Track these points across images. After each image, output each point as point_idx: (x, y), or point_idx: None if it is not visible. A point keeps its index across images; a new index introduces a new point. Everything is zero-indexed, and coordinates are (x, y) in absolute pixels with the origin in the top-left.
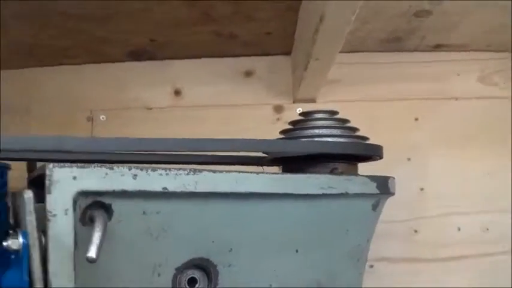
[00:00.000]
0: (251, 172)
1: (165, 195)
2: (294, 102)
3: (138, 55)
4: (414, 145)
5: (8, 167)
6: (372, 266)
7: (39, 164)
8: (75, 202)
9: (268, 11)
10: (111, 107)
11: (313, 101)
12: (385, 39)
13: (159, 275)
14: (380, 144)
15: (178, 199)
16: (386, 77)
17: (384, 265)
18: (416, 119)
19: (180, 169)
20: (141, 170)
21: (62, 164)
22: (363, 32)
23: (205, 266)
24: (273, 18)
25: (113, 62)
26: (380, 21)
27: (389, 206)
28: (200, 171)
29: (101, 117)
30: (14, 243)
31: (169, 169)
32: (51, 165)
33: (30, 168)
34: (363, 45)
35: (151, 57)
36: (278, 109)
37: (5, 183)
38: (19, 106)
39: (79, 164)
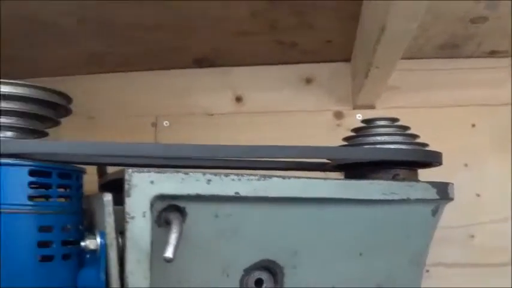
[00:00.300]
0: (318, 178)
1: (236, 199)
2: (353, 108)
3: (200, 62)
4: (471, 151)
5: (83, 171)
6: (428, 271)
7: (109, 169)
8: (152, 205)
9: (330, 21)
10: (175, 113)
11: (372, 107)
12: (442, 45)
13: (228, 275)
14: (438, 149)
15: (249, 203)
16: (443, 84)
17: (441, 270)
18: (473, 125)
19: (251, 175)
20: (215, 175)
21: (140, 169)
22: (422, 39)
23: (271, 268)
24: (334, 27)
25: (177, 69)
26: (438, 27)
27: (446, 212)
28: (270, 177)
29: (164, 123)
30: (91, 243)
31: (242, 175)
32: (130, 170)
33: (101, 173)
34: (421, 52)
35: (214, 65)
36: (338, 115)
37: (81, 186)
38: (84, 112)
39: (156, 169)
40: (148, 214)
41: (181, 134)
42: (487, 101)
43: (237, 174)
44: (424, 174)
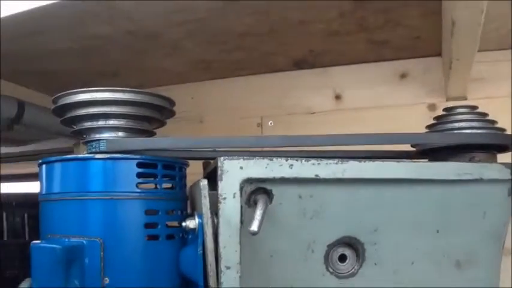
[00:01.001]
0: (392, 160)
1: (317, 181)
2: (446, 100)
3: (299, 64)
4: None
5: (186, 164)
6: None
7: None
8: (241, 188)
9: (415, 17)
10: (278, 113)
11: (464, 98)
12: None
13: (312, 251)
14: None
15: (328, 184)
16: None
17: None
18: None
19: (330, 158)
20: (296, 160)
21: (230, 156)
22: (504, 30)
23: (353, 244)
24: (420, 23)
25: (278, 71)
26: None
27: None
28: (347, 160)
29: (269, 123)
30: (191, 223)
31: (321, 159)
32: (222, 158)
33: (206, 166)
34: (506, 43)
35: (312, 66)
36: (432, 107)
37: (184, 177)
38: (194, 116)
39: (245, 157)
40: (238, 195)
41: (285, 132)
42: None
43: (317, 159)
44: (508, 159)
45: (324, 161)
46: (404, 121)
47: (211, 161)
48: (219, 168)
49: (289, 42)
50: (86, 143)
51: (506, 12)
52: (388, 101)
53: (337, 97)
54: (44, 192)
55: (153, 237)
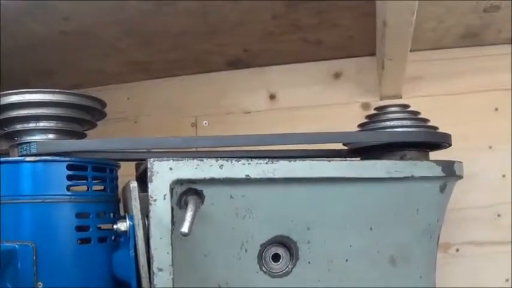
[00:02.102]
0: (323, 159)
1: (248, 181)
2: (380, 99)
3: (235, 64)
4: (495, 134)
5: (117, 165)
6: (458, 250)
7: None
8: (172, 189)
9: (349, 17)
10: (213, 113)
11: (398, 97)
12: (463, 35)
13: (246, 250)
14: (463, 133)
15: (260, 184)
16: (466, 71)
17: (470, 248)
18: (496, 109)
19: (260, 158)
20: (227, 160)
21: (160, 158)
22: (441, 30)
23: (286, 243)
24: (354, 23)
25: (214, 71)
26: (454, 19)
27: (473, 192)
28: (277, 160)
29: (203, 123)
30: (122, 225)
31: (251, 159)
32: (152, 159)
33: (139, 168)
34: (442, 43)
35: (247, 65)
36: (366, 106)
37: (115, 178)
38: (129, 117)
39: (174, 158)
40: (168, 197)
41: (220, 133)
42: (509, 85)
43: (247, 159)
44: (447, 156)
45: (255, 161)
46: (339, 120)
47: (142, 162)
48: (148, 170)
49: (226, 42)
50: (17, 145)
51: (441, 12)
52: (323, 101)
53: (272, 97)
54: None
55: (85, 241)
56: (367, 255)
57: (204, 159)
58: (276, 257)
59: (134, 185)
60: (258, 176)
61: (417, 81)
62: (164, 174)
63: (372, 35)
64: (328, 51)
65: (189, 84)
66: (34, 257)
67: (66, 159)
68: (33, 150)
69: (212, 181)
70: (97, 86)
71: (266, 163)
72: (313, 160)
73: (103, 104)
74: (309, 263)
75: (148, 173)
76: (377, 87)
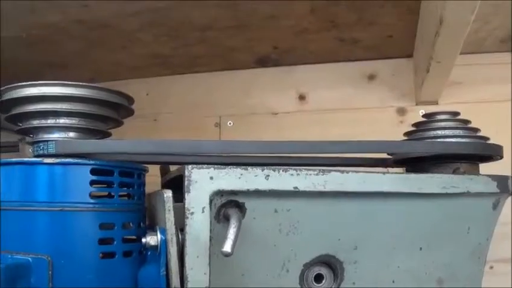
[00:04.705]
0: (378, 172)
1: (295, 194)
2: (416, 104)
3: (263, 62)
4: None
5: (145, 170)
6: (492, 267)
7: (172, 168)
8: (211, 201)
9: (390, 15)
10: (238, 113)
11: (435, 103)
12: (503, 39)
13: (287, 270)
14: (501, 143)
15: (308, 198)
16: (505, 77)
17: (504, 266)
18: None
19: (310, 169)
20: (273, 170)
21: (199, 165)
22: (482, 32)
23: (331, 263)
24: (395, 22)
25: (240, 69)
26: (498, 20)
27: (506, 207)
28: (329, 171)
29: (228, 123)
30: (152, 239)
31: (300, 169)
32: (190, 166)
33: (164, 172)
34: (482, 47)
35: (276, 64)
36: (401, 112)
37: (143, 185)
38: (148, 114)
39: (215, 166)
40: (207, 210)
41: (245, 134)
42: None
43: (296, 169)
44: (487, 169)
45: (304, 172)
46: (372, 124)
47: (168, 166)
48: (186, 178)
49: (255, 38)
50: (32, 143)
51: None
52: (355, 104)
53: (301, 97)
54: None
55: (109, 255)
56: (414, 277)
57: (249, 168)
58: (318, 278)
59: (168, 194)
60: (307, 189)
61: (454, 87)
62: (204, 183)
63: (411, 35)
64: (363, 51)
65: (213, 82)
66: (50, 272)
67: (91, 162)
68: (51, 150)
69: (256, 193)
70: (114, 80)
71: (316, 174)
72: (367, 172)
73: (130, 100)
74: (354, 283)
75: (186, 182)
76: (413, 91)
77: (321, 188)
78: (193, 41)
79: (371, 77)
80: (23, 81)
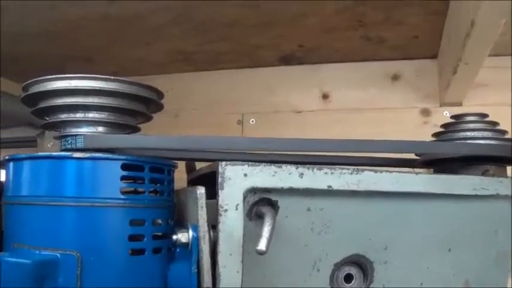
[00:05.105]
0: (410, 172)
1: (329, 193)
2: (440, 105)
3: (287, 60)
4: None
5: (175, 166)
6: None
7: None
8: (244, 198)
9: (417, 16)
10: (261, 111)
11: (459, 104)
12: None
13: (318, 270)
14: None
15: (341, 197)
16: None
17: None
18: None
19: (343, 168)
20: (307, 168)
21: (233, 162)
22: (509, 35)
23: (361, 263)
24: (421, 22)
25: (264, 66)
26: None
27: None
28: (362, 170)
29: (250, 121)
30: (183, 236)
31: (334, 168)
32: (223, 163)
33: (189, 169)
34: (508, 49)
35: (300, 62)
36: (425, 112)
37: (172, 181)
38: (170, 110)
39: (249, 163)
40: (241, 207)
41: (268, 132)
42: None
43: (330, 168)
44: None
45: (338, 171)
46: (396, 125)
47: (193, 163)
48: (219, 175)
49: (280, 36)
50: (60, 137)
51: None
52: (379, 104)
53: (325, 96)
54: (9, 193)
55: (138, 252)
56: (442, 279)
57: (283, 166)
58: (348, 278)
59: (202, 191)
60: (341, 188)
61: (478, 90)
62: (237, 180)
63: (436, 36)
64: (388, 50)
65: (236, 79)
66: (79, 269)
67: (122, 157)
68: (80, 144)
69: (290, 191)
70: (135, 76)
71: (350, 173)
72: (400, 172)
73: (160, 95)
74: (383, 285)
75: (219, 179)
76: (437, 92)
77: (354, 187)
78: (218, 37)
79: (395, 77)
80: (47, 75)
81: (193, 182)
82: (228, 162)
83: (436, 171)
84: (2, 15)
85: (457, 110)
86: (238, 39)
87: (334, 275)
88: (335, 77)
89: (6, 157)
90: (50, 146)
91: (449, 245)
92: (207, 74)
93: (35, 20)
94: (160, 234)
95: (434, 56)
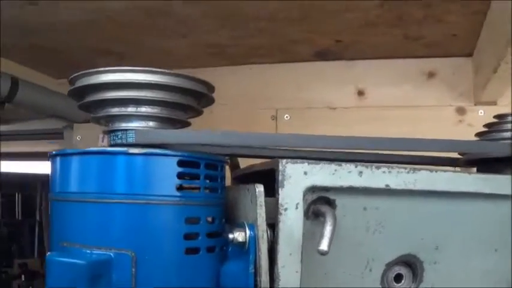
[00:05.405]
0: (462, 172)
1: (386, 192)
2: (475, 104)
3: (323, 55)
4: None
5: (227, 162)
6: None
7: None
8: (303, 196)
9: (458, 14)
10: (295, 106)
11: (494, 103)
12: None
13: (370, 270)
14: None
15: (397, 196)
16: None
17: None
18: None
19: (401, 167)
20: (366, 167)
21: (294, 159)
22: None
23: (412, 263)
24: (460, 21)
25: (299, 61)
26: None
27: None
28: (419, 169)
29: (285, 116)
30: (240, 235)
31: (392, 167)
32: (283, 160)
33: (233, 166)
34: None
35: (335, 58)
36: (460, 111)
37: (224, 178)
38: None
39: (310, 161)
40: (301, 206)
41: (302, 128)
42: None
43: (388, 167)
44: None
45: (395, 170)
46: (431, 123)
47: (237, 160)
48: (280, 173)
49: (317, 31)
50: (109, 132)
51: None
52: (414, 101)
53: (360, 93)
54: (57, 189)
55: (193, 250)
56: (488, 279)
57: (342, 164)
58: (398, 277)
59: (260, 189)
60: (399, 187)
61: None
62: (298, 179)
63: (473, 35)
64: (424, 48)
65: (270, 74)
66: (133, 269)
67: (178, 153)
68: (130, 140)
69: (348, 190)
70: (168, 69)
71: (407, 172)
72: (454, 173)
73: (211, 89)
74: (432, 285)
75: (280, 177)
76: (471, 90)
77: (411, 187)
78: (253, 31)
79: (430, 75)
80: (76, 68)
81: (238, 179)
82: (289, 160)
83: (479, 171)
84: (34, 7)
85: (492, 109)
86: (274, 33)
87: (385, 275)
88: (371, 74)
89: (53, 152)
90: (78, 139)
91: (496, 245)
92: (240, 68)
93: (67, 12)
94: (213, 232)
95: (469, 54)
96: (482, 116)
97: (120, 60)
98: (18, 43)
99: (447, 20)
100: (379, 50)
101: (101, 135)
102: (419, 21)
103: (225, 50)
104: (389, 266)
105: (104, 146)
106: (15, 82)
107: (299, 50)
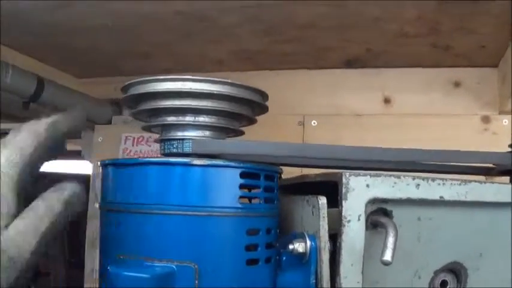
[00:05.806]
0: (506, 183)
1: (439, 203)
2: (499, 113)
3: (352, 63)
4: None
5: (280, 172)
6: None
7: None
8: (365, 208)
9: (488, 26)
10: (322, 113)
11: None
12: None
13: (419, 277)
14: None
15: (448, 207)
16: None
17: None
18: None
19: (453, 179)
20: (423, 180)
21: (356, 172)
22: None
23: (457, 270)
24: (492, 32)
25: (325, 68)
26: None
27: None
28: (469, 181)
29: (312, 122)
30: (300, 246)
31: (445, 179)
32: (347, 173)
33: None
34: None
35: (363, 65)
36: (485, 120)
37: (278, 188)
38: None
39: (371, 173)
40: (363, 217)
41: (328, 134)
42: None
43: (442, 179)
44: None
45: (449, 182)
46: (456, 131)
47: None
48: (343, 186)
49: (351, 39)
50: (162, 141)
51: None
52: (440, 109)
53: (387, 100)
54: (109, 199)
55: (253, 262)
56: None
57: (401, 177)
58: (443, 284)
59: (324, 201)
60: (451, 198)
61: None
62: (361, 191)
63: (500, 46)
64: (451, 58)
65: (298, 80)
66: (196, 281)
67: (241, 165)
68: (187, 149)
69: (406, 202)
70: (194, 72)
71: (459, 184)
72: (500, 184)
73: (265, 97)
74: None
75: (343, 189)
76: (496, 100)
77: (462, 198)
78: (286, 38)
79: (457, 84)
80: (102, 69)
81: (284, 188)
82: (352, 173)
83: None
84: (67, 8)
85: None
86: (307, 41)
87: (431, 282)
88: (397, 82)
89: (106, 161)
90: (100, 141)
91: None
92: (268, 73)
93: (101, 12)
94: (270, 243)
95: (495, 65)
96: (507, 125)
97: (144, 62)
98: (44, 41)
99: (479, 31)
100: (407, 59)
101: (123, 137)
102: (451, 32)
103: (254, 55)
104: (437, 273)
105: (126, 149)
106: (40, 82)
107: (329, 57)
